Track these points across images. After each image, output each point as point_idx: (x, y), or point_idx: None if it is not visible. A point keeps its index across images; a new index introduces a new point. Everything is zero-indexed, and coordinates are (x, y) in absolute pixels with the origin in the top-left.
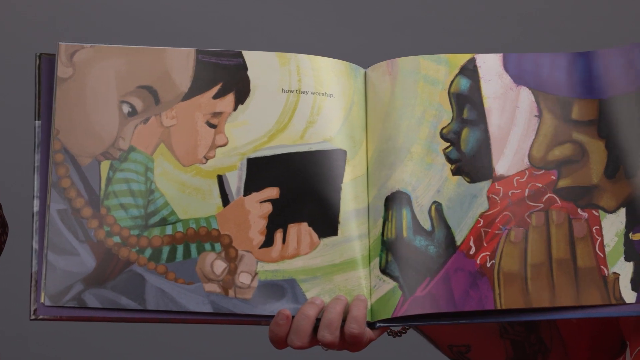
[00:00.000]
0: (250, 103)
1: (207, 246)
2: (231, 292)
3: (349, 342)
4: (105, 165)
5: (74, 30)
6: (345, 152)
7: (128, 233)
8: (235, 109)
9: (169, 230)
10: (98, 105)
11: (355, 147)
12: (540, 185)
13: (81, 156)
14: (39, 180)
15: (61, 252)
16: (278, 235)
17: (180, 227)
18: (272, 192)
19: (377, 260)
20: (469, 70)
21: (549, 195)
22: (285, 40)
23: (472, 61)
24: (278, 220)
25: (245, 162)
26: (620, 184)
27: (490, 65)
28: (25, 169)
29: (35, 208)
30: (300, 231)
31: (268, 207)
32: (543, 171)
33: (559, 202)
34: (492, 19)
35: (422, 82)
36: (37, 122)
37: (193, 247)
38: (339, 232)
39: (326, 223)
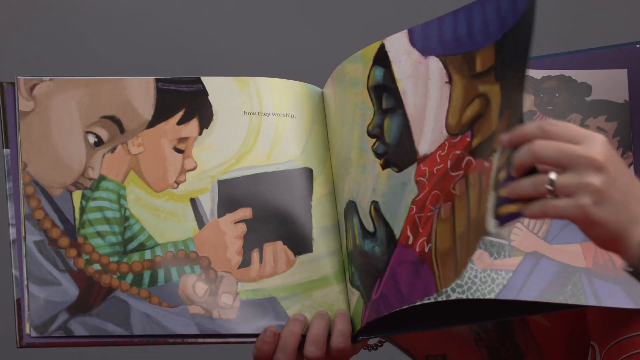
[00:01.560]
0: (215, 127)
1: (187, 269)
2: (215, 313)
3: (334, 356)
4: (77, 195)
5: (37, 58)
6: (311, 170)
7: (108, 260)
8: (200, 133)
9: (148, 254)
10: (64, 137)
11: (321, 165)
12: (459, 152)
13: (52, 187)
14: (13, 208)
15: (42, 282)
16: (255, 254)
17: (159, 251)
18: (245, 212)
19: (347, 274)
20: (381, 59)
21: (467, 158)
22: (244, 61)
23: (382, 47)
24: (253, 240)
25: (216, 184)
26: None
27: (398, 45)
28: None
29: (12, 236)
30: (276, 250)
31: (243, 228)
32: (459, 137)
33: (474, 162)
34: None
35: (349, 87)
36: (5, 150)
37: (173, 270)
38: (314, 248)
39: (300, 241)
